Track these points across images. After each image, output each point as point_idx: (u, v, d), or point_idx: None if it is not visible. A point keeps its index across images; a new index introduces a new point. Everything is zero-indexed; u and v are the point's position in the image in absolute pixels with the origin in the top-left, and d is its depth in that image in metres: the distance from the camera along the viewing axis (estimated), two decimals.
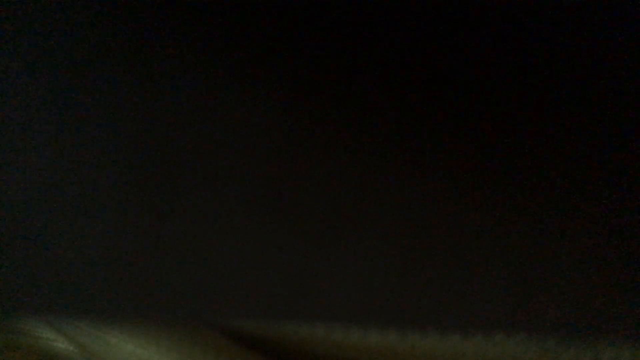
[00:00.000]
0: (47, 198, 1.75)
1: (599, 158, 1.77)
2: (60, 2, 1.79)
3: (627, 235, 1.74)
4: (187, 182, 1.75)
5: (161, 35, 1.79)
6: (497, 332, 1.74)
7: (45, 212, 1.76)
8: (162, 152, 1.75)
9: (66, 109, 1.77)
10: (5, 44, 1.78)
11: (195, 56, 1.77)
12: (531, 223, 1.76)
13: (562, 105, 1.77)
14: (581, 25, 1.79)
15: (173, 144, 1.77)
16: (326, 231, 1.74)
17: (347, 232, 1.74)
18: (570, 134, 1.78)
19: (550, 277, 1.74)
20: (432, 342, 1.73)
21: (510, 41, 1.79)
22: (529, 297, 1.74)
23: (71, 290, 1.72)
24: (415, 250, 1.75)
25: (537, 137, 1.78)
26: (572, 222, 1.76)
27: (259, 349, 1.72)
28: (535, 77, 1.78)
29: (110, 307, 1.70)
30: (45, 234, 1.75)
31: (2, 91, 1.74)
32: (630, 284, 1.73)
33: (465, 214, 1.75)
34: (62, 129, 1.77)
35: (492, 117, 1.74)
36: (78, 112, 1.77)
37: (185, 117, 1.76)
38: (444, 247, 1.74)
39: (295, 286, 1.72)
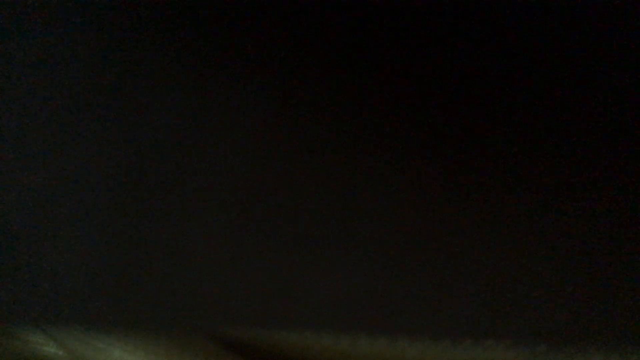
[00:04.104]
0: (40, 206, 1.76)
1: (584, 160, 1.76)
2: (59, 9, 1.79)
3: (615, 239, 1.74)
4: (175, 190, 1.75)
5: (154, 40, 1.79)
6: (487, 337, 1.74)
7: (37, 220, 1.76)
8: (155, 161, 1.75)
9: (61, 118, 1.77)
10: (6, 47, 1.78)
11: (188, 66, 1.77)
12: (520, 229, 1.75)
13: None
14: (581, 25, 1.78)
15: (166, 151, 1.76)
16: (315, 238, 1.74)
17: (336, 239, 1.74)
18: (551, 146, 1.77)
19: (540, 282, 1.74)
20: (422, 347, 1.73)
21: (509, 41, 1.78)
22: (519, 302, 1.74)
23: (60, 296, 1.73)
24: (404, 256, 1.74)
25: (521, 149, 1.78)
26: (560, 226, 1.76)
27: (248, 354, 1.72)
28: (533, 79, 1.77)
29: (99, 313, 1.71)
30: (36, 241, 1.75)
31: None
32: (619, 288, 1.72)
33: (454, 220, 1.75)
34: (58, 136, 1.77)
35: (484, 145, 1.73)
36: (70, 118, 1.77)
37: (176, 127, 1.76)
38: (433, 252, 1.74)
39: (284, 293, 1.72)
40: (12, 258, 1.72)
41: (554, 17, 1.76)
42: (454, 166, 1.74)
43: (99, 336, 1.73)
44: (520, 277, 1.73)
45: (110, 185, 1.74)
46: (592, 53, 1.76)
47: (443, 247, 1.73)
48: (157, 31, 1.77)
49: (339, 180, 1.72)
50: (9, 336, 1.74)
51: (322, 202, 1.72)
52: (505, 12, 1.75)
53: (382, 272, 1.72)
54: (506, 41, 1.77)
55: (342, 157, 1.74)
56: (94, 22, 1.77)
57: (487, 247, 1.74)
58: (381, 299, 1.70)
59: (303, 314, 1.70)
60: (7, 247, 1.73)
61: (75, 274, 1.72)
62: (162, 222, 1.73)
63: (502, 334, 1.72)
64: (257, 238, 1.72)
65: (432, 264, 1.72)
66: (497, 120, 1.75)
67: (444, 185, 1.73)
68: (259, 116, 1.73)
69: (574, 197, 1.75)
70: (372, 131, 1.72)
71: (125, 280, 1.71)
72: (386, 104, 1.74)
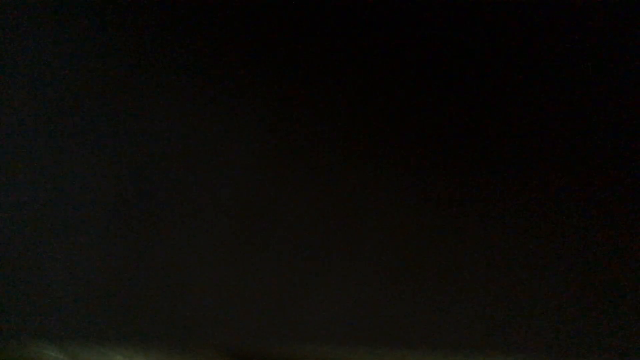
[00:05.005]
0: (41, 216, 1.76)
1: (592, 167, 1.76)
2: (59, 9, 1.78)
3: (621, 250, 1.74)
4: (178, 205, 1.75)
5: (157, 42, 1.78)
6: (486, 348, 1.75)
7: (37, 229, 1.76)
8: (161, 171, 1.74)
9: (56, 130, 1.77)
10: (6, 47, 1.77)
11: (187, 70, 1.76)
12: (522, 241, 1.76)
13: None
14: (581, 25, 1.77)
15: (172, 159, 1.76)
16: (315, 252, 1.74)
17: (336, 253, 1.74)
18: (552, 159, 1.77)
19: (541, 293, 1.75)
20: (420, 356, 1.74)
21: (508, 41, 1.77)
22: (519, 313, 1.75)
23: (63, 308, 1.73)
24: (404, 266, 1.75)
25: (516, 166, 1.77)
26: (563, 238, 1.76)
27: None
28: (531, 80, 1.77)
29: (102, 322, 1.72)
30: (36, 251, 1.75)
31: None
32: (623, 300, 1.73)
33: (454, 231, 1.75)
34: (55, 149, 1.76)
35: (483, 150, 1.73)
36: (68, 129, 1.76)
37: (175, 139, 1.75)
38: (432, 263, 1.75)
39: (285, 305, 1.73)
40: (11, 267, 1.72)
41: (556, 18, 1.75)
42: (456, 178, 1.74)
43: (100, 341, 1.74)
44: (520, 287, 1.74)
45: (111, 195, 1.74)
46: (593, 53, 1.75)
47: (442, 257, 1.73)
48: (159, 33, 1.76)
49: (336, 200, 1.73)
50: (7, 342, 1.75)
51: (322, 218, 1.72)
52: (509, 13, 1.74)
53: (382, 282, 1.73)
54: (509, 42, 1.76)
55: (348, 169, 1.74)
56: (94, 23, 1.76)
57: (487, 258, 1.74)
58: (380, 312, 1.71)
59: (303, 325, 1.71)
60: (7, 255, 1.73)
61: (77, 284, 1.72)
62: (165, 234, 1.73)
63: (502, 344, 1.73)
64: (260, 250, 1.72)
65: (432, 274, 1.72)
66: (503, 129, 1.75)
67: (445, 198, 1.73)
68: (265, 123, 1.72)
69: (578, 208, 1.75)
70: (377, 145, 1.72)
71: (128, 291, 1.72)
72: (391, 111, 1.74)
